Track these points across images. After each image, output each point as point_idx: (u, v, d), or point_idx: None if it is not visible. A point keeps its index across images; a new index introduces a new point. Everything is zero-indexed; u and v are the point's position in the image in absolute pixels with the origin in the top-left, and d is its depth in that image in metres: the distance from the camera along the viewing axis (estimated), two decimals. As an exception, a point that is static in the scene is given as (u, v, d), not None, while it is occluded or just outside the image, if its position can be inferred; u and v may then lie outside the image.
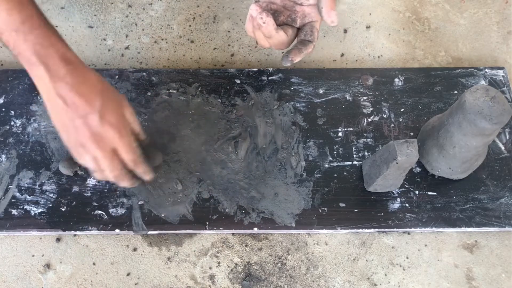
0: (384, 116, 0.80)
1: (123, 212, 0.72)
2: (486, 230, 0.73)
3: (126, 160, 0.64)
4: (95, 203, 0.72)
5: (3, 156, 0.75)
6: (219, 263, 0.71)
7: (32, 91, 0.80)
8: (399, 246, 0.73)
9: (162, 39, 0.89)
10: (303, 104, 0.80)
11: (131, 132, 0.64)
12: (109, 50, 0.87)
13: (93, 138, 0.61)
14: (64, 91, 0.60)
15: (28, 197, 0.73)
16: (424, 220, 0.72)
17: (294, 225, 0.71)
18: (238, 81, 0.82)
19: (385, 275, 0.71)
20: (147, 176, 0.67)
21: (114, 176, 0.64)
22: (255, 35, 0.70)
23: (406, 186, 0.74)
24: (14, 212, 0.72)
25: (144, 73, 0.82)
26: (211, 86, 0.82)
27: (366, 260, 0.72)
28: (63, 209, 0.72)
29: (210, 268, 0.71)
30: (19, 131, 0.77)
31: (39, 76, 0.60)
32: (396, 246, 0.73)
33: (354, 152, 0.77)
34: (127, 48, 0.88)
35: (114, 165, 0.63)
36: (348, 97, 0.81)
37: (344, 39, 0.90)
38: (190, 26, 0.90)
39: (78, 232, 0.72)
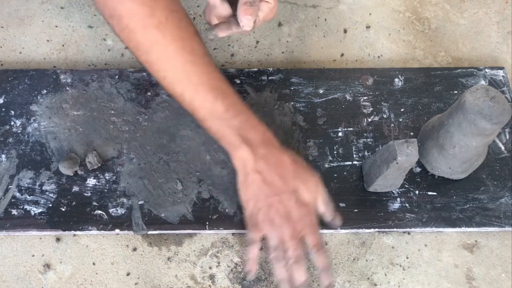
0: (384, 116, 0.80)
1: (123, 212, 0.72)
2: (486, 230, 0.73)
3: (310, 243, 0.64)
4: (95, 203, 0.72)
5: (3, 156, 0.75)
6: (219, 263, 0.71)
7: (32, 91, 0.80)
8: (399, 246, 0.73)
9: (162, 39, 0.89)
10: (303, 104, 0.80)
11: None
12: (109, 50, 0.87)
13: (286, 217, 0.63)
14: (263, 169, 0.64)
15: (28, 197, 0.73)
16: (424, 220, 0.72)
17: (294, 225, 0.71)
18: (238, 81, 0.82)
19: (385, 275, 0.71)
20: (327, 271, 0.65)
21: (296, 256, 0.63)
22: (209, 19, 0.69)
23: (406, 186, 0.74)
24: (14, 212, 0.72)
25: (144, 73, 0.82)
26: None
27: (366, 260, 0.72)
28: (63, 209, 0.72)
29: (210, 268, 0.71)
30: (19, 131, 0.77)
31: (241, 156, 0.65)
32: (396, 246, 0.73)
33: (354, 152, 0.77)
34: (127, 48, 0.88)
35: (299, 245, 0.64)
36: (348, 97, 0.81)
37: (344, 39, 0.90)
38: (190, 26, 0.90)
39: (78, 232, 0.72)
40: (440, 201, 0.74)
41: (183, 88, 0.65)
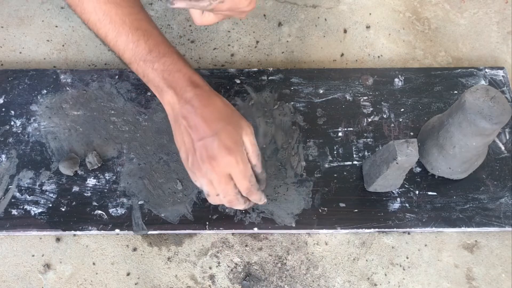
0: (384, 116, 0.80)
1: (123, 212, 0.72)
2: (486, 230, 0.73)
3: (241, 187, 0.64)
4: (95, 203, 0.72)
5: (3, 156, 0.75)
6: (219, 263, 0.71)
7: (32, 91, 0.80)
8: (399, 246, 0.73)
9: (162, 39, 0.89)
10: (303, 104, 0.80)
11: (248, 160, 0.64)
12: (109, 50, 0.87)
13: (209, 161, 0.61)
14: (189, 113, 0.62)
15: (28, 197, 0.73)
16: (424, 220, 0.72)
17: (294, 225, 0.71)
18: (238, 81, 0.82)
19: (385, 275, 0.71)
20: (261, 202, 0.67)
21: (228, 201, 0.64)
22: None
23: (406, 186, 0.74)
24: (14, 212, 0.72)
25: (144, 73, 0.82)
26: (211, 86, 0.82)
27: (366, 260, 0.72)
28: (63, 209, 0.72)
29: (210, 268, 0.71)
30: (19, 131, 0.77)
31: (168, 101, 0.63)
32: (396, 246, 0.73)
33: (354, 152, 0.77)
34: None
35: (228, 191, 0.63)
36: (348, 97, 0.81)
37: (344, 39, 0.90)
38: (190, 26, 0.90)
39: (78, 232, 0.72)
40: (440, 201, 0.74)
41: (106, 30, 0.64)
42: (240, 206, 0.66)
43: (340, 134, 0.78)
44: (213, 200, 0.65)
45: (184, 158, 0.64)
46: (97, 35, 0.66)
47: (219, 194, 0.64)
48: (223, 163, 0.61)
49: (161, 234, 0.73)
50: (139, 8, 0.66)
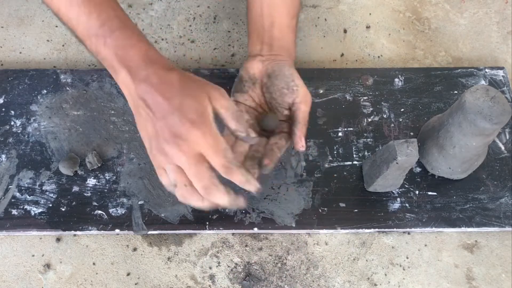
0: (384, 116, 0.80)
1: (123, 212, 0.72)
2: (486, 230, 0.73)
3: (215, 165, 0.55)
4: (95, 203, 0.72)
5: (3, 156, 0.75)
6: (219, 263, 0.71)
7: (32, 91, 0.80)
8: (399, 246, 0.73)
9: (162, 39, 0.89)
10: (303, 104, 0.80)
11: (217, 132, 0.56)
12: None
13: (174, 141, 0.54)
14: (145, 93, 0.55)
15: (28, 197, 0.73)
16: (424, 220, 0.72)
17: (294, 225, 0.71)
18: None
19: (385, 275, 0.71)
20: (249, 185, 0.57)
21: (203, 186, 0.55)
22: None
23: (406, 186, 0.74)
24: (14, 212, 0.72)
25: (144, 73, 0.82)
26: None
27: (366, 260, 0.72)
28: (63, 209, 0.72)
29: (210, 268, 0.71)
30: (19, 131, 0.77)
31: (122, 81, 0.57)
32: (396, 246, 0.73)
33: (354, 152, 0.77)
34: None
35: (202, 172, 0.54)
36: (348, 97, 0.81)
37: (344, 39, 0.90)
38: (190, 26, 0.90)
39: (78, 232, 0.72)
40: (440, 201, 0.74)
41: (59, 2, 0.59)
42: (222, 197, 0.56)
43: (340, 134, 0.78)
44: (185, 193, 0.56)
45: (148, 147, 0.57)
46: (51, 9, 0.60)
47: (192, 180, 0.55)
48: (189, 139, 0.54)
49: (161, 234, 0.73)
50: None
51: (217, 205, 0.58)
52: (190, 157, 0.54)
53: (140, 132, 0.58)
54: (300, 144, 0.64)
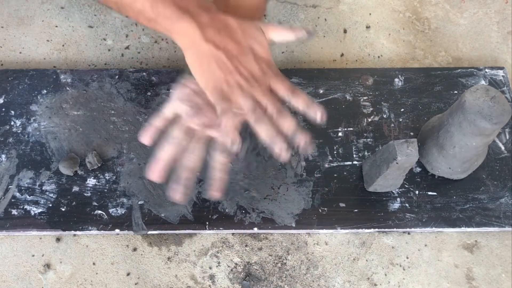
0: (384, 116, 0.80)
1: (123, 212, 0.72)
2: (486, 230, 0.73)
3: (285, 90, 0.61)
4: (95, 203, 0.72)
5: (3, 156, 0.75)
6: (219, 263, 0.71)
7: (32, 91, 0.81)
8: (399, 246, 0.73)
9: (162, 39, 0.89)
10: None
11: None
12: (109, 50, 0.87)
13: (251, 76, 0.60)
14: (213, 36, 0.59)
15: (28, 197, 0.73)
16: (424, 220, 0.72)
17: (294, 225, 0.71)
18: (238, 81, 0.82)
19: (385, 275, 0.71)
20: (313, 107, 0.61)
21: (278, 109, 0.60)
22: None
23: (406, 186, 0.74)
24: (14, 212, 0.72)
25: (144, 73, 0.82)
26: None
27: (366, 260, 0.72)
28: (63, 209, 0.72)
29: (210, 268, 0.71)
30: (19, 131, 0.77)
31: (185, 29, 0.60)
32: (396, 246, 0.73)
33: (354, 152, 0.77)
34: (127, 48, 0.88)
35: (275, 100, 0.61)
36: (348, 97, 0.81)
37: (344, 39, 0.90)
38: (190, 26, 0.90)
39: (78, 232, 0.72)
40: (440, 201, 0.74)
41: None
42: (290, 119, 0.61)
43: (340, 134, 0.78)
44: (257, 117, 0.60)
45: (216, 85, 0.60)
46: None
47: (267, 107, 0.60)
48: (266, 75, 0.61)
49: (161, 234, 0.73)
50: None
51: (283, 130, 0.61)
52: (265, 88, 0.61)
53: (198, 75, 0.61)
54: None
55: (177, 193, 0.61)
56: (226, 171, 0.62)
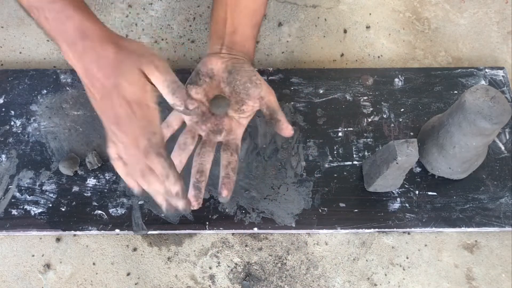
0: (384, 116, 0.80)
1: (123, 212, 0.72)
2: (486, 230, 0.73)
3: (139, 148, 0.54)
4: (95, 203, 0.72)
5: (3, 156, 0.75)
6: (219, 263, 0.71)
7: (32, 91, 0.80)
8: (399, 246, 0.73)
9: (162, 39, 0.89)
10: (303, 104, 0.80)
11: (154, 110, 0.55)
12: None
13: (116, 122, 0.54)
14: (85, 70, 0.55)
15: (28, 197, 0.73)
16: (424, 220, 0.72)
17: (294, 225, 0.71)
18: (238, 81, 0.82)
19: (385, 275, 0.71)
20: (168, 182, 0.56)
21: (140, 169, 0.55)
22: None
23: (406, 186, 0.74)
24: (14, 212, 0.72)
25: (144, 73, 0.82)
26: None
27: (366, 260, 0.72)
28: (63, 209, 0.72)
29: (210, 268, 0.71)
30: (19, 131, 0.77)
31: (66, 55, 0.56)
32: (396, 246, 0.73)
33: (354, 152, 0.77)
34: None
35: (137, 155, 0.54)
36: (348, 97, 0.81)
37: (344, 39, 0.90)
38: (190, 26, 0.90)
39: (78, 232, 0.72)
40: (440, 201, 0.74)
41: None
42: (156, 184, 0.56)
43: (340, 134, 0.78)
44: (124, 171, 0.57)
45: (102, 119, 0.57)
46: None
47: (128, 163, 0.56)
48: (127, 119, 0.54)
49: (161, 234, 0.73)
50: None
51: (155, 194, 0.57)
52: (130, 138, 0.54)
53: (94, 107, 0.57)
54: (289, 128, 0.65)
55: (196, 199, 0.61)
56: (235, 170, 0.63)
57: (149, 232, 0.72)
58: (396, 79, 0.83)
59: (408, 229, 0.72)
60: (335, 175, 0.75)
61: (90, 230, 0.71)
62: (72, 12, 0.55)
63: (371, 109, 0.80)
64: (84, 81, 0.56)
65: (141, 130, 0.54)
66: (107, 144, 0.57)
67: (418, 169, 0.76)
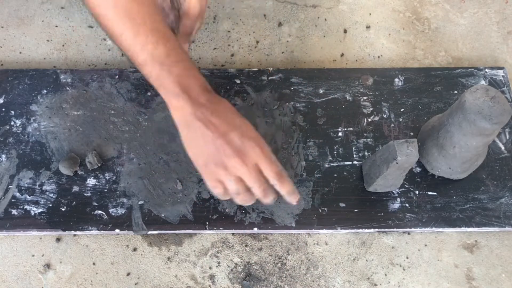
0: (384, 116, 0.80)
1: (123, 212, 0.72)
2: (486, 230, 0.73)
3: (270, 173, 0.62)
4: (95, 203, 0.72)
5: (3, 156, 0.75)
6: (219, 263, 0.71)
7: (32, 91, 0.81)
8: (399, 246, 0.73)
9: (162, 39, 0.89)
10: (303, 104, 0.80)
11: None
12: (109, 50, 0.87)
13: (236, 155, 0.60)
14: (204, 115, 0.61)
15: (28, 197, 0.73)
16: (424, 220, 0.72)
17: (294, 225, 0.71)
18: (238, 81, 0.82)
19: (385, 275, 0.71)
20: (293, 195, 0.64)
21: (264, 189, 0.62)
22: None
23: (406, 186, 0.74)
24: (14, 212, 0.72)
25: (144, 73, 0.82)
26: (211, 86, 0.81)
27: (366, 260, 0.72)
28: (63, 209, 0.72)
29: (210, 268, 0.71)
30: (19, 131, 0.77)
31: (180, 105, 0.62)
32: (396, 246, 0.73)
33: (354, 152, 0.77)
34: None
35: (261, 180, 0.61)
36: (348, 97, 0.81)
37: (344, 39, 0.90)
38: (190, 26, 0.90)
39: (78, 232, 0.72)
40: (440, 201, 0.74)
41: (124, 28, 0.62)
42: (272, 196, 0.64)
43: (340, 134, 0.78)
44: (244, 198, 0.64)
45: (202, 163, 0.62)
46: (107, 31, 0.64)
47: (252, 187, 0.62)
48: (250, 153, 0.60)
49: (161, 234, 0.73)
50: (157, 8, 0.65)
51: (269, 202, 0.65)
52: (251, 168, 0.61)
53: (190, 151, 0.63)
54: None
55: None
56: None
57: (149, 232, 0.72)
58: (396, 79, 0.83)
59: (408, 229, 0.72)
60: (335, 175, 0.75)
61: (90, 230, 0.71)
62: (196, 72, 0.64)
63: (371, 109, 0.80)
64: (194, 124, 0.61)
65: (266, 158, 0.62)
66: (212, 185, 0.64)
67: (418, 169, 0.76)
